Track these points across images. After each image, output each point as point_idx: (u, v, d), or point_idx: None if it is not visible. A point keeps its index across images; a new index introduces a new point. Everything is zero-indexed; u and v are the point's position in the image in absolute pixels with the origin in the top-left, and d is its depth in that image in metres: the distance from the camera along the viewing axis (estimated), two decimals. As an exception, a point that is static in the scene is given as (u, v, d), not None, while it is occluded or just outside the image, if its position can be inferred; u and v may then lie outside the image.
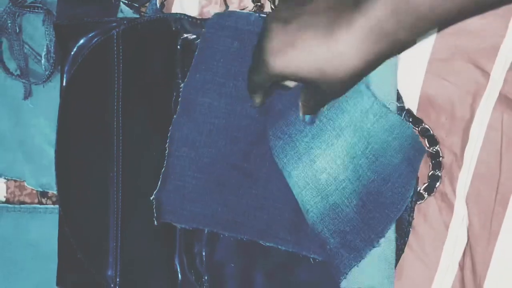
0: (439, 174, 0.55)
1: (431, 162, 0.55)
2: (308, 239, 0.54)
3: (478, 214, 0.55)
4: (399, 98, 0.54)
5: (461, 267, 0.55)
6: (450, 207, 0.55)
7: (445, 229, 0.55)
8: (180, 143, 0.57)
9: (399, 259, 0.54)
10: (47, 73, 0.63)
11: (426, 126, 0.55)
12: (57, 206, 0.63)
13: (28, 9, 0.63)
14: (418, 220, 0.55)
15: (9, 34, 0.64)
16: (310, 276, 0.56)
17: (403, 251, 0.55)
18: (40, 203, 0.67)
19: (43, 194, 0.67)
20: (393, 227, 0.52)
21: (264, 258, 0.57)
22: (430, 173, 0.55)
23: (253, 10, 0.59)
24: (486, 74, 0.54)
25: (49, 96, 0.64)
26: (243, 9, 0.60)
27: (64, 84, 0.61)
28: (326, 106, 0.51)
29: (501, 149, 0.54)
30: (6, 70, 0.64)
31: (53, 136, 0.62)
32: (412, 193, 0.52)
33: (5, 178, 0.68)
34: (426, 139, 0.55)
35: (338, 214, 0.52)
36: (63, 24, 0.60)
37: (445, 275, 0.56)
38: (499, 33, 0.53)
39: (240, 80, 0.56)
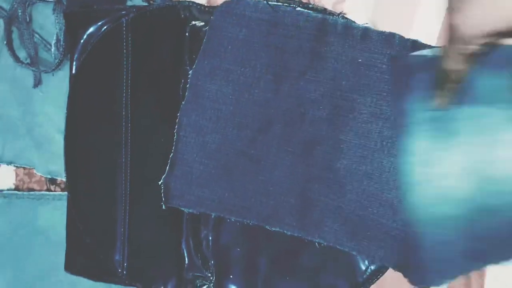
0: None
1: None
2: (313, 224, 0.54)
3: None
4: None
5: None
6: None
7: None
8: (188, 129, 0.57)
9: None
10: (56, 61, 0.63)
11: None
12: (65, 193, 0.64)
13: (39, -2, 0.64)
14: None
15: (19, 23, 0.64)
16: (314, 261, 0.56)
17: None
18: (49, 190, 0.68)
19: (52, 181, 0.68)
20: None
21: (269, 243, 0.57)
22: None
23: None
24: None
25: (58, 84, 0.65)
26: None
27: (73, 72, 0.61)
28: None
29: None
30: (16, 58, 0.65)
31: (62, 124, 0.62)
32: None
33: (14, 166, 0.68)
34: None
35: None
36: (72, 13, 0.61)
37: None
38: None
39: (247, 67, 0.56)
